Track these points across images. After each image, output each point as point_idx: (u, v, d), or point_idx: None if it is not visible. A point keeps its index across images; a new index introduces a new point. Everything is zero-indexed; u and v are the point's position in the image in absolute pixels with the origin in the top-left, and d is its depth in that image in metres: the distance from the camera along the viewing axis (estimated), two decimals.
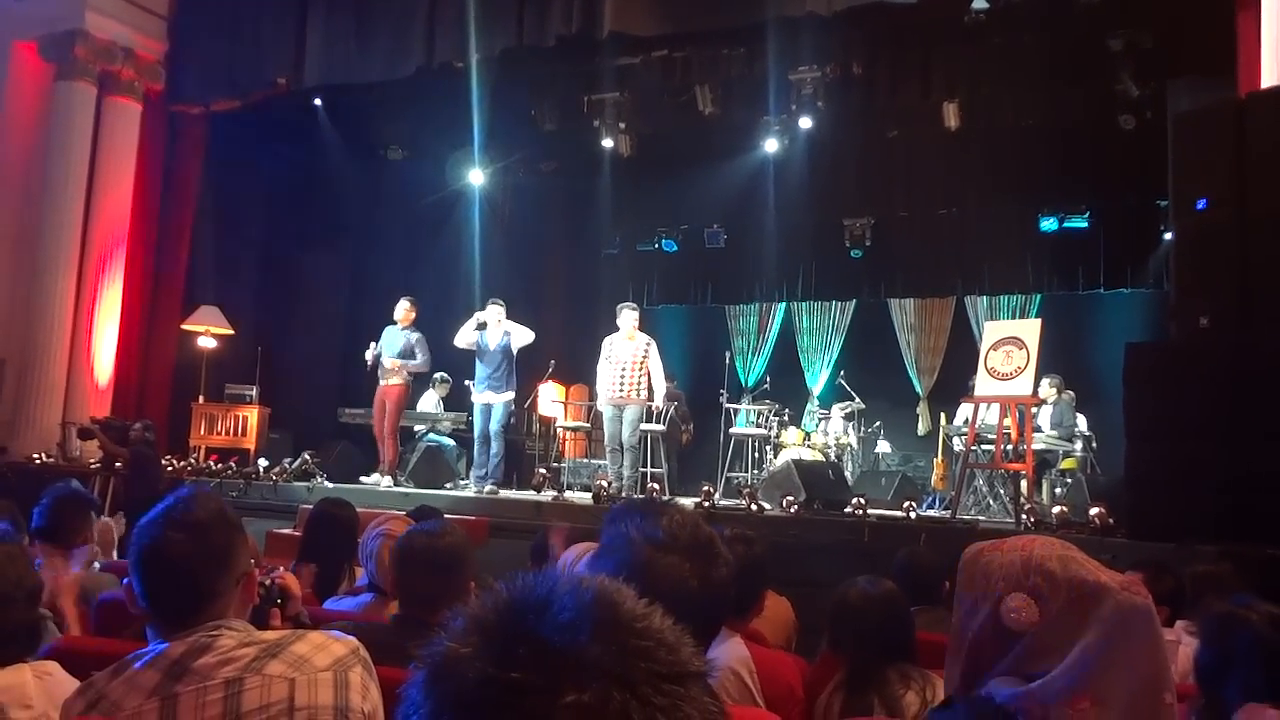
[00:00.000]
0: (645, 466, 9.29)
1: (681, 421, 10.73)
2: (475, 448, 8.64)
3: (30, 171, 9.39)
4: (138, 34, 9.91)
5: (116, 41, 9.70)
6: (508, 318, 8.67)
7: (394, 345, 8.74)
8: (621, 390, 8.35)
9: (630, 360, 8.36)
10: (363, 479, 8.76)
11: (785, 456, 9.76)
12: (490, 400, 8.55)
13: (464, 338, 8.55)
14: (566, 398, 12.22)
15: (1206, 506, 5.32)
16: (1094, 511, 6.26)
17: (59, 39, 9.48)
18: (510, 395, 8.59)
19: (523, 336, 8.59)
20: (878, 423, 11.41)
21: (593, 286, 13.17)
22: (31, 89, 9.60)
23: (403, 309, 8.77)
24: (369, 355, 8.71)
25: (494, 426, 8.49)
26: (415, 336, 8.73)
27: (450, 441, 10.39)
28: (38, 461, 8.81)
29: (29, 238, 9.45)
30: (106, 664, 1.68)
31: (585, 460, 10.93)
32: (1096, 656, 1.21)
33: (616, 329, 8.47)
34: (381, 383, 8.79)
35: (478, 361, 8.63)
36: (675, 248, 13.23)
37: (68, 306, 9.47)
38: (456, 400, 10.58)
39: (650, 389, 8.34)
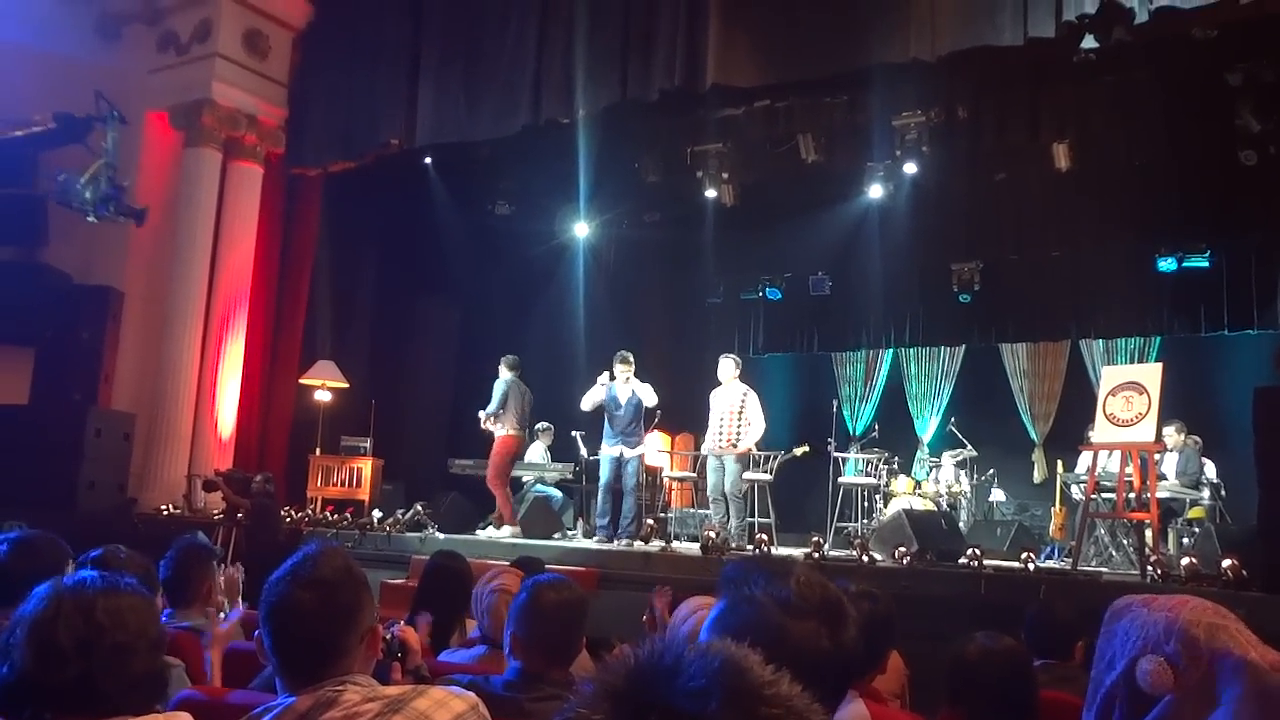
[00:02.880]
0: (751, 516, 9.24)
1: None
2: (599, 496, 8.66)
3: (160, 234, 9.78)
4: (261, 101, 10.29)
5: (241, 109, 10.09)
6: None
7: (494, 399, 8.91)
8: (721, 440, 8.43)
9: (729, 410, 8.44)
10: (479, 532, 8.86)
11: (896, 506, 9.65)
12: (623, 453, 8.56)
13: (590, 400, 8.59)
14: (672, 448, 12.13)
15: None
16: (1226, 564, 5.97)
17: (188, 108, 9.92)
18: (643, 450, 8.62)
19: (649, 396, 8.58)
20: (991, 470, 11.16)
21: (697, 336, 13.19)
22: (162, 155, 10.06)
23: (504, 366, 9.01)
24: (484, 423, 8.92)
25: (629, 482, 8.52)
26: (497, 383, 8.94)
27: (557, 492, 10.44)
28: (165, 513, 9.03)
29: (159, 297, 9.84)
30: (236, 715, 1.74)
31: (692, 510, 10.79)
32: None
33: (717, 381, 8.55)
34: (494, 432, 8.97)
35: (608, 416, 8.66)
36: (780, 296, 13.21)
37: (193, 363, 9.76)
38: (561, 450, 10.66)
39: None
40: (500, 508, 8.88)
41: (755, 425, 8.39)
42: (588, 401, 8.62)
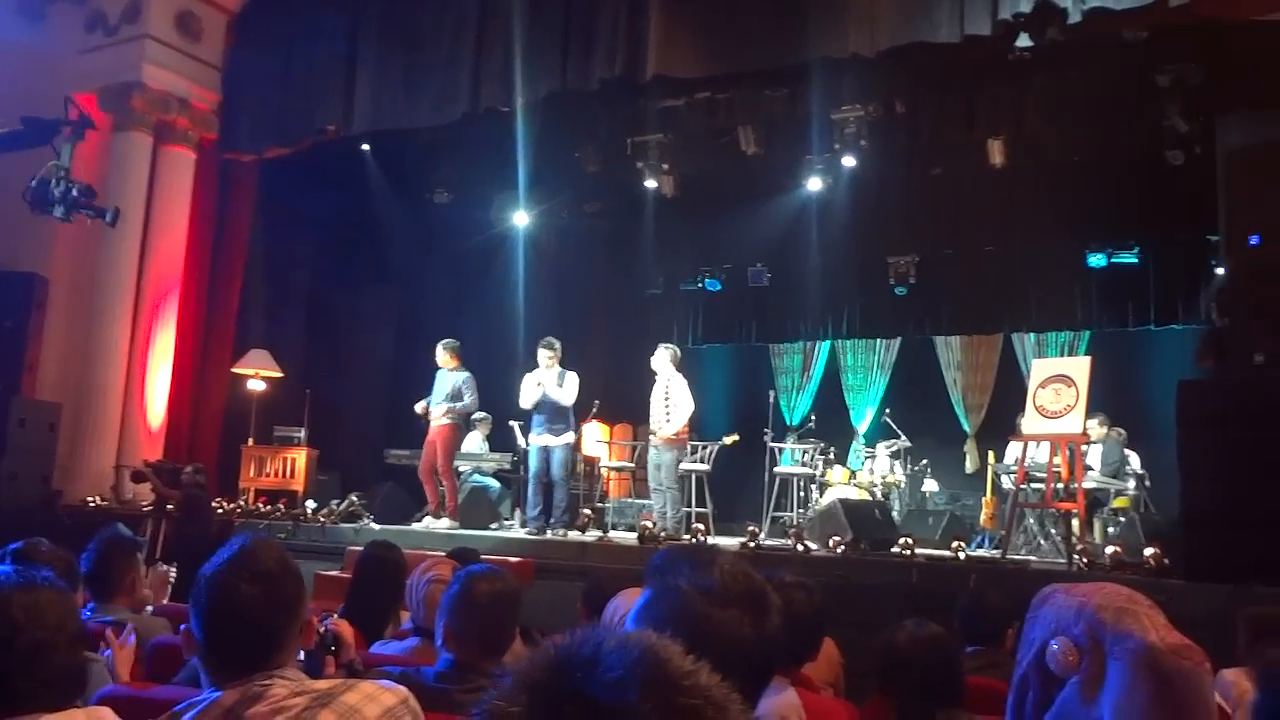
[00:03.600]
0: (689, 506, 9.26)
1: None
2: (529, 488, 8.61)
3: (88, 220, 9.53)
4: (193, 85, 10.06)
5: (172, 92, 9.87)
6: (561, 364, 8.67)
7: (443, 389, 8.83)
8: (653, 428, 8.52)
9: (659, 397, 8.51)
10: (415, 524, 8.78)
11: (831, 496, 9.66)
12: (549, 443, 8.52)
13: (529, 397, 8.53)
14: (611, 437, 12.13)
15: (1264, 547, 5.20)
16: (1148, 552, 6.11)
17: (117, 91, 9.67)
18: (570, 438, 8.60)
19: (565, 393, 8.51)
20: (925, 461, 11.23)
21: (636, 326, 13.14)
22: (90, 139, 9.75)
23: (442, 354, 8.86)
24: (420, 408, 8.80)
25: (556, 472, 8.50)
26: (463, 378, 8.80)
27: (495, 482, 10.41)
28: (92, 505, 8.86)
29: (85, 284, 9.60)
30: (159, 710, 1.69)
31: (630, 500, 10.79)
32: (1128, 717, 1.18)
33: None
34: (432, 424, 8.85)
35: (534, 405, 8.65)
36: (719, 287, 13.20)
37: (122, 352, 9.57)
38: (498, 440, 10.61)
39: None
40: (448, 498, 8.83)
41: (682, 407, 8.37)
42: (526, 398, 8.56)
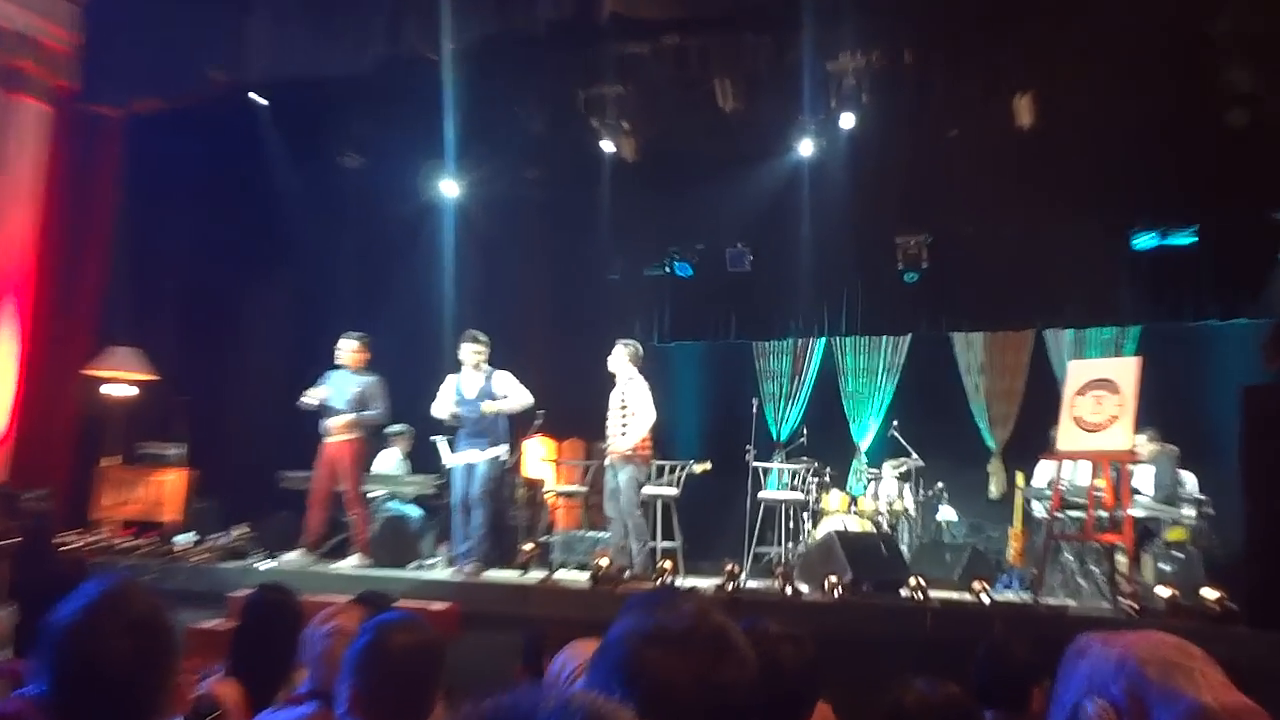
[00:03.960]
0: (654, 539, 9.34)
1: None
2: (453, 518, 8.72)
3: None
4: (47, 22, 9.85)
5: (21, 31, 9.67)
6: (490, 363, 8.78)
7: (343, 393, 8.85)
8: (608, 443, 8.69)
9: (615, 405, 8.65)
10: (287, 557, 8.80)
11: (827, 527, 9.79)
12: (472, 459, 8.63)
13: (442, 404, 8.66)
14: (558, 456, 12.25)
15: None
16: (1209, 594, 6.14)
17: None
18: (499, 451, 8.71)
19: (509, 390, 8.65)
20: (940, 484, 11.36)
21: (590, 319, 13.08)
22: None
23: (348, 350, 8.89)
24: (306, 399, 8.81)
25: (475, 490, 8.54)
26: (370, 381, 8.87)
27: (415, 510, 10.45)
28: None
29: None
30: None
31: (581, 533, 10.84)
32: None
33: None
34: (329, 439, 8.87)
35: (456, 415, 8.81)
36: (690, 272, 13.21)
37: None
38: (422, 458, 10.61)
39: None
40: (357, 529, 8.91)
41: (641, 415, 8.47)
42: (440, 407, 8.67)
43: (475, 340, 8.67)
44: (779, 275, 12.74)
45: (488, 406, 8.58)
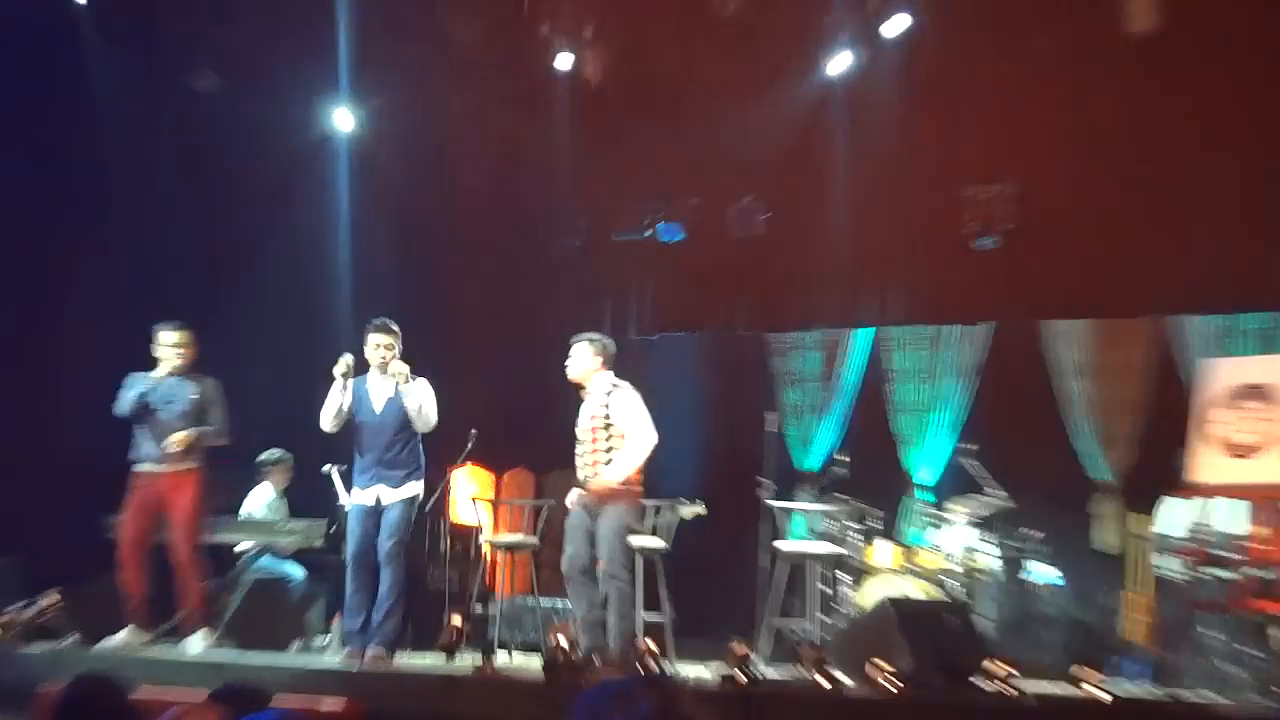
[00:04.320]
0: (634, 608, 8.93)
1: None
2: (348, 578, 8.43)
3: None
4: None
5: None
6: (405, 360, 8.51)
7: (172, 404, 8.70)
8: (585, 480, 8.38)
9: (588, 424, 8.42)
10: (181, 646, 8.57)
11: (874, 591, 9.81)
12: (381, 497, 8.43)
13: (331, 414, 8.47)
14: (497, 493, 12.36)
15: None
16: None
17: None
18: (415, 490, 8.57)
19: (423, 401, 8.47)
20: (1031, 531, 10.91)
21: (540, 304, 13.05)
22: None
23: (171, 344, 8.68)
24: (125, 404, 8.65)
25: (385, 541, 8.34)
26: (207, 384, 8.78)
27: (297, 570, 10.20)
28: None
29: None
30: None
31: (531, 600, 10.55)
32: None
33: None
34: (153, 468, 8.66)
35: (356, 434, 8.60)
36: (680, 236, 12.89)
37: None
38: (306, 497, 10.56)
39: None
40: (188, 596, 8.67)
41: (635, 438, 8.23)
42: (328, 415, 8.42)
43: (384, 330, 8.41)
44: (804, 241, 12.42)
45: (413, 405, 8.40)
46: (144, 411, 8.71)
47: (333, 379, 8.43)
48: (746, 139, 11.80)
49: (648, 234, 12.96)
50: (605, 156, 12.33)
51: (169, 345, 8.70)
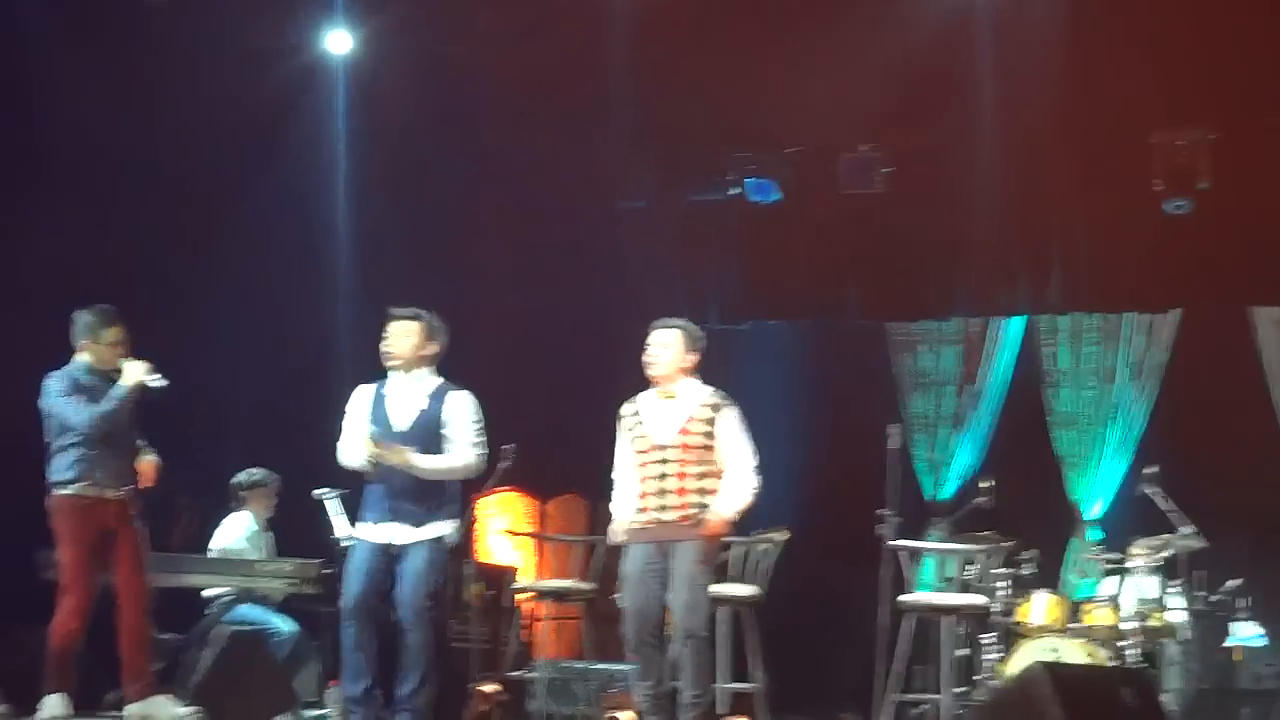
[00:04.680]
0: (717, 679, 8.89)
1: None
2: (344, 632, 8.05)
3: None
4: None
5: None
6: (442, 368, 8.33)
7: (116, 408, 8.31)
8: (661, 507, 7.86)
9: (677, 439, 7.92)
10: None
11: (1028, 655, 9.22)
12: (396, 538, 8.01)
13: (351, 447, 8.06)
14: (539, 526, 12.31)
15: None
16: None
17: None
18: (442, 530, 8.13)
19: (463, 417, 8.07)
20: (1233, 581, 10.58)
21: (595, 280, 12.84)
22: None
23: (99, 328, 8.41)
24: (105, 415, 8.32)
25: (410, 597, 7.93)
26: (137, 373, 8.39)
27: (284, 622, 10.04)
28: None
29: None
30: None
31: (579, 665, 10.43)
32: None
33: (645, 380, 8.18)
34: (101, 492, 8.25)
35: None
36: (776, 196, 12.48)
37: None
38: (291, 527, 10.38)
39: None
40: (134, 664, 8.28)
41: (744, 472, 7.84)
42: (348, 449, 8.03)
43: (417, 318, 8.03)
44: (936, 205, 12.25)
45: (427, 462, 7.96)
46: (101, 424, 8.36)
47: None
48: (864, 69, 11.32)
49: (732, 193, 12.69)
50: (676, 89, 11.98)
51: (87, 329, 8.45)
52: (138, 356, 8.61)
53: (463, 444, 8.05)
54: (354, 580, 8.04)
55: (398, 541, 7.98)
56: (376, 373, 8.27)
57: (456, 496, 8.30)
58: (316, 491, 9.36)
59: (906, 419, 13.04)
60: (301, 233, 11.94)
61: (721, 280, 13.24)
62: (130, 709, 8.25)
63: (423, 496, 8.07)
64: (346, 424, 8.17)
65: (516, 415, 9.65)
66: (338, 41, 11.93)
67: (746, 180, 12.53)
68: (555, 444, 11.46)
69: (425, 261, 11.73)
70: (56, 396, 8.50)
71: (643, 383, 8.20)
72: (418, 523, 8.01)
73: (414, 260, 11.67)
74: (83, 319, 8.58)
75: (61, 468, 8.34)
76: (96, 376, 8.49)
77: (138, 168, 11.71)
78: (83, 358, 8.50)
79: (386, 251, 11.76)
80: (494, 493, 10.27)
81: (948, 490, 13.16)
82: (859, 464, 11.07)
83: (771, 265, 13.05)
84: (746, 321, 13.20)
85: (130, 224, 11.54)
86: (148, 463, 8.60)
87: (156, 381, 8.39)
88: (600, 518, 11.46)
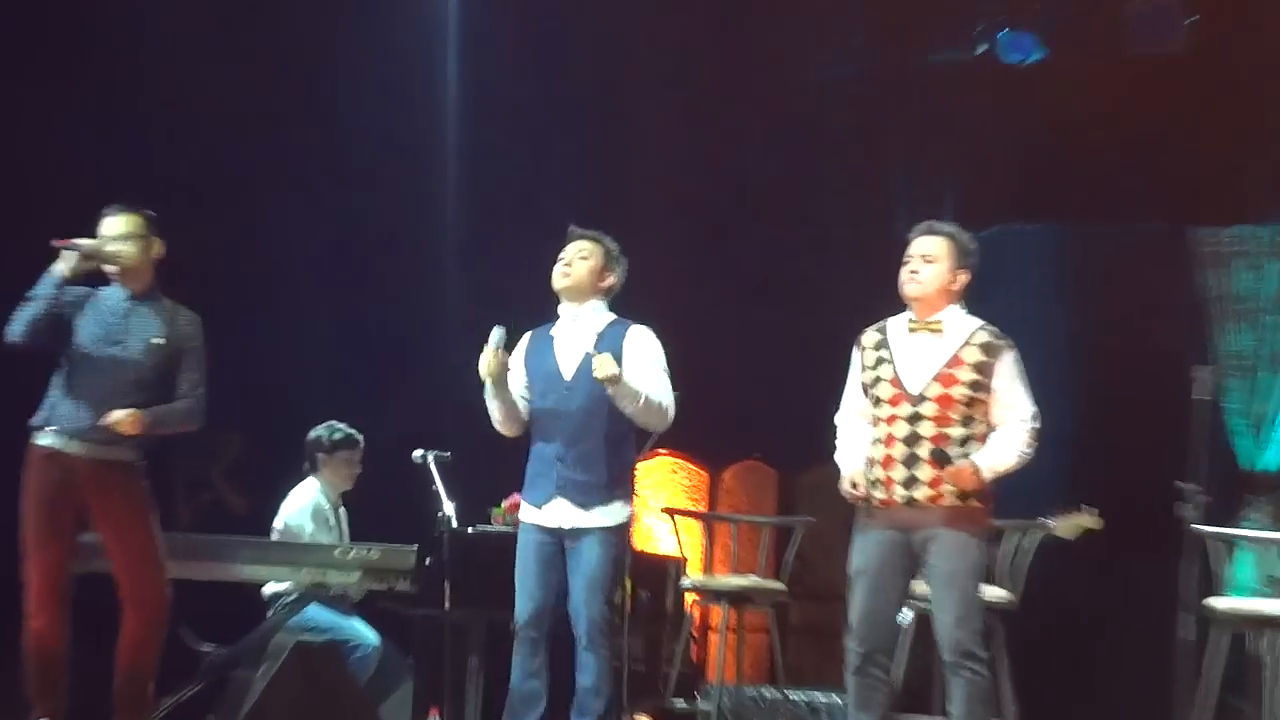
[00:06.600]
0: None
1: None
2: (519, 656, 7.44)
3: None
4: None
5: None
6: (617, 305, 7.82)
7: (126, 343, 7.58)
8: (911, 480, 6.96)
9: (933, 394, 7.01)
10: None
11: None
12: (572, 520, 7.38)
13: (501, 413, 7.54)
14: (711, 504, 11.98)
15: None
16: None
17: None
18: (624, 515, 7.60)
19: (655, 388, 7.41)
20: None
21: (785, 172, 11.76)
22: None
23: (117, 232, 7.48)
24: (22, 325, 7.59)
25: (588, 601, 7.28)
26: (185, 320, 7.72)
27: (366, 631, 9.22)
28: None
29: None
30: None
31: (768, 693, 9.80)
32: None
33: (897, 305, 7.23)
34: (70, 446, 7.46)
35: (535, 418, 7.65)
36: (1037, 56, 11.61)
37: None
38: (374, 500, 9.70)
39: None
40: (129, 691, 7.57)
41: (1014, 424, 6.98)
42: (498, 416, 7.51)
43: (595, 240, 7.48)
44: (1261, 67, 10.92)
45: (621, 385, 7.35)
46: (63, 345, 7.39)
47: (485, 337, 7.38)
48: None
49: (980, 51, 11.60)
50: None
51: (114, 236, 7.35)
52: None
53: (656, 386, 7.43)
54: (528, 581, 7.35)
55: (567, 525, 7.33)
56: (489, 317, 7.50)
57: (632, 467, 7.76)
58: (417, 453, 8.07)
59: (1218, 360, 11.40)
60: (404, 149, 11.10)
61: (959, 170, 11.98)
62: None
63: (596, 469, 7.36)
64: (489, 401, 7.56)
65: (681, 358, 8.17)
66: None
67: (998, 35, 11.57)
68: (730, 398, 10.73)
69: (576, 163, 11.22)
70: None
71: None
72: (594, 502, 7.30)
73: (543, 166, 11.06)
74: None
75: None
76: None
77: (193, 94, 11.04)
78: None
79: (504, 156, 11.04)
80: (650, 456, 10.25)
81: (1273, 457, 11.59)
82: (1149, 421, 9.98)
83: (1028, 150, 11.49)
84: (992, 226, 11.33)
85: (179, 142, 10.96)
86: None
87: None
88: (793, 492, 11.62)
